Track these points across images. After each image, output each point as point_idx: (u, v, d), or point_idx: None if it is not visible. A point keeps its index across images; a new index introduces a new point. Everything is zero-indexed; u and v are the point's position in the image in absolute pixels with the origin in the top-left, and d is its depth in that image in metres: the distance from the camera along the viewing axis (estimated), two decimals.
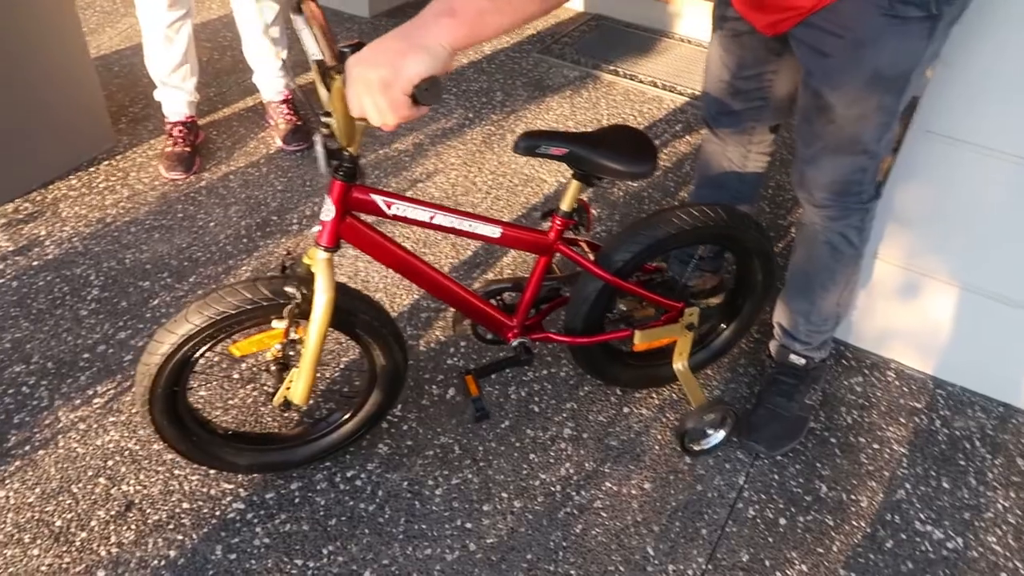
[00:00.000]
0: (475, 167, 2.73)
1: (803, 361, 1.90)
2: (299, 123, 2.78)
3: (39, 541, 1.60)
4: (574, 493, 1.75)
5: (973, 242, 1.84)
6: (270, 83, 2.78)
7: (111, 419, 1.84)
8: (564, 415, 1.92)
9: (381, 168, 2.71)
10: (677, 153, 2.89)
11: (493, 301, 1.75)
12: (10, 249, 2.28)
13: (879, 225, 1.94)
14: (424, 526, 1.67)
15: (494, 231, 1.54)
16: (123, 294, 2.17)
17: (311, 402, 1.89)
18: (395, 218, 1.46)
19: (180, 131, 2.64)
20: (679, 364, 1.82)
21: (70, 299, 2.14)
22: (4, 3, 2.23)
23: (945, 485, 1.82)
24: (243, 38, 2.68)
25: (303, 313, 1.46)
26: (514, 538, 1.66)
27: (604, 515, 1.71)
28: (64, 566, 1.56)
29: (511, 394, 1.96)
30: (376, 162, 2.74)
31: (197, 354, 1.50)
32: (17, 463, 1.73)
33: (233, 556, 1.60)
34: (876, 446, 1.90)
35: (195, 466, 1.74)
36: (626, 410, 1.94)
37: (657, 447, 1.86)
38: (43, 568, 1.56)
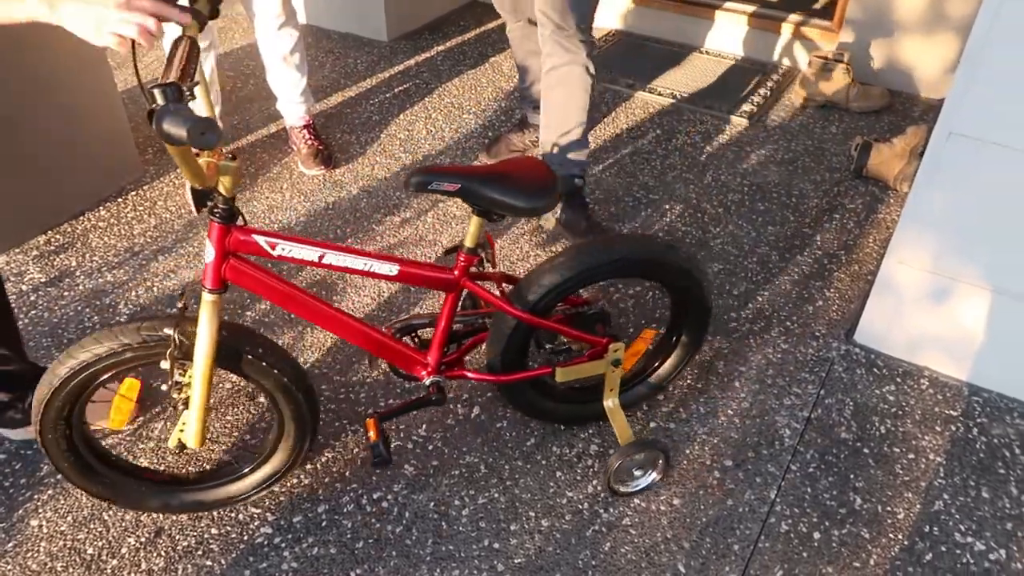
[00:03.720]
0: None
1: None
2: (320, 147, 2.81)
3: (71, 569, 1.62)
4: (602, 510, 1.73)
5: (1003, 244, 1.80)
6: (292, 109, 2.82)
7: (140, 446, 1.85)
8: (590, 431, 1.90)
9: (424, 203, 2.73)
10: (697, 164, 2.87)
11: (409, 338, 1.70)
12: (42, 280, 2.33)
13: (902, 230, 1.91)
14: (451, 547, 1.66)
15: (391, 269, 1.49)
16: None
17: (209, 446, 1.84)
18: (281, 258, 1.43)
19: None
20: (608, 401, 1.75)
21: (100, 328, 2.17)
22: (34, 41, 2.29)
23: (985, 495, 1.77)
24: (266, 65, 2.73)
25: (187, 354, 1.43)
26: (542, 557, 1.64)
27: (633, 532, 1.69)
28: None
29: None
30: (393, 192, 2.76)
31: (87, 390, 1.49)
32: (49, 492, 1.76)
33: None
34: (911, 456, 1.85)
35: None
36: (652, 425, 1.92)
37: (685, 461, 1.83)
38: None
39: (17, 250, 2.43)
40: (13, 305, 2.21)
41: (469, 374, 1.71)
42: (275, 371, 1.52)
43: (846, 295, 2.30)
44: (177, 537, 1.67)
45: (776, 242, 2.51)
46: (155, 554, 1.64)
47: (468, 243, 1.54)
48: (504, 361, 1.67)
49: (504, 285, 1.70)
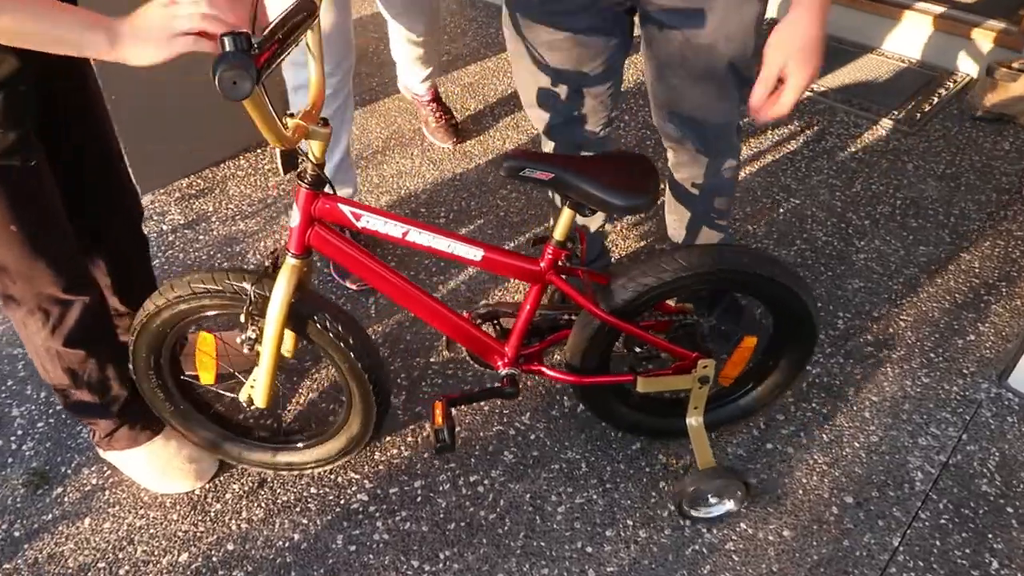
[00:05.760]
0: None
1: None
2: (448, 119, 2.78)
3: (179, 507, 1.68)
4: (704, 530, 1.64)
5: None
6: (417, 83, 2.78)
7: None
8: None
9: None
10: (846, 169, 2.67)
11: (490, 325, 1.63)
12: (180, 222, 2.43)
13: None
14: (543, 543, 1.62)
15: (475, 253, 1.43)
16: None
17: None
18: (364, 231, 1.39)
19: None
20: (692, 419, 1.63)
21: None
22: None
23: None
24: (398, 64, 2.71)
25: (263, 312, 1.42)
26: (636, 570, 1.57)
27: (736, 559, 1.59)
28: (199, 534, 1.63)
29: None
30: None
31: (178, 326, 1.51)
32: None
33: (353, 548, 1.61)
34: None
35: None
36: (769, 446, 1.80)
37: (801, 491, 1.71)
38: (179, 533, 1.63)
39: (161, 191, 2.55)
40: (153, 244, 2.32)
41: (546, 370, 1.63)
42: (343, 345, 1.49)
43: (1003, 332, 2.08)
44: (278, 491, 1.71)
45: (927, 264, 2.30)
46: (256, 504, 1.68)
47: (557, 236, 1.45)
48: (584, 362, 1.59)
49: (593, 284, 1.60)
